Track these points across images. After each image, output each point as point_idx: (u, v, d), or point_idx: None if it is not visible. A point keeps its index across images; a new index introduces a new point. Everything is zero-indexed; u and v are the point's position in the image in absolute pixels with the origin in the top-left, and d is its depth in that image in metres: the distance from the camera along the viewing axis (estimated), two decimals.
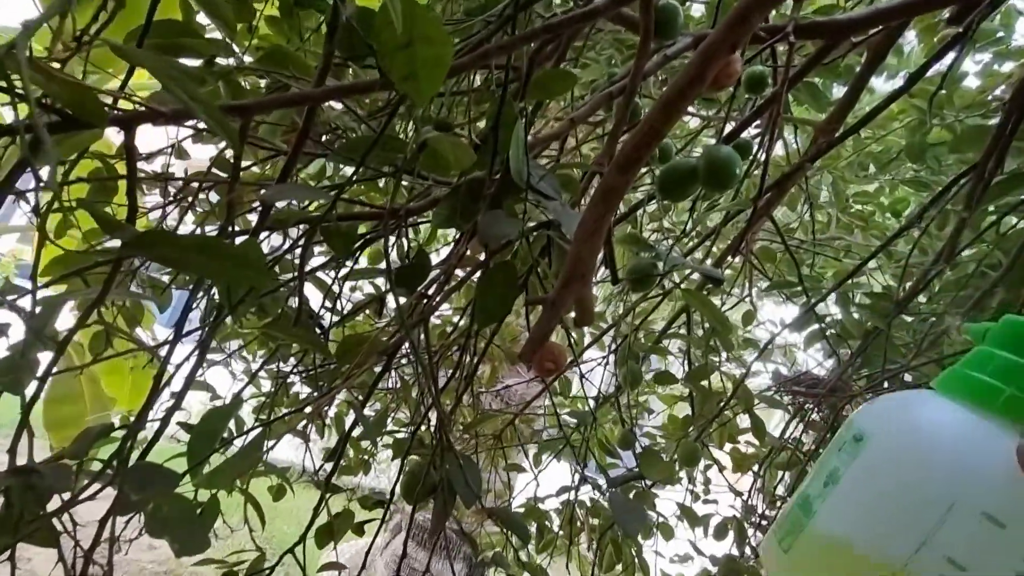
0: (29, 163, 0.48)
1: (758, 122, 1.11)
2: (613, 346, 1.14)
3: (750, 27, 0.49)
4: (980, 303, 1.10)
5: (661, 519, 1.43)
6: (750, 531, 1.39)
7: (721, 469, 1.47)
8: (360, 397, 0.83)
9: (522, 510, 1.51)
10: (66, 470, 0.57)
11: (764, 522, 1.42)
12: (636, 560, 1.46)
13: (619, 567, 1.43)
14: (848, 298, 1.10)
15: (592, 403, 1.27)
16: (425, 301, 0.67)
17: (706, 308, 0.80)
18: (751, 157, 0.96)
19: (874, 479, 0.34)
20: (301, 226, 0.78)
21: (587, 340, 1.55)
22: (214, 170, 0.84)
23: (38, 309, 0.57)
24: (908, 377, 1.32)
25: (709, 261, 1.21)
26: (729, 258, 1.30)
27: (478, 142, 0.62)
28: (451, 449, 0.78)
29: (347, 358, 0.61)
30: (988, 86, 1.18)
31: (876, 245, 1.49)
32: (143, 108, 0.49)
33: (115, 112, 0.50)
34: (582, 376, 1.07)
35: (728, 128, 1.01)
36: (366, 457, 1.47)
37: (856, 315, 1.21)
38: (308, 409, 0.73)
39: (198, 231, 0.89)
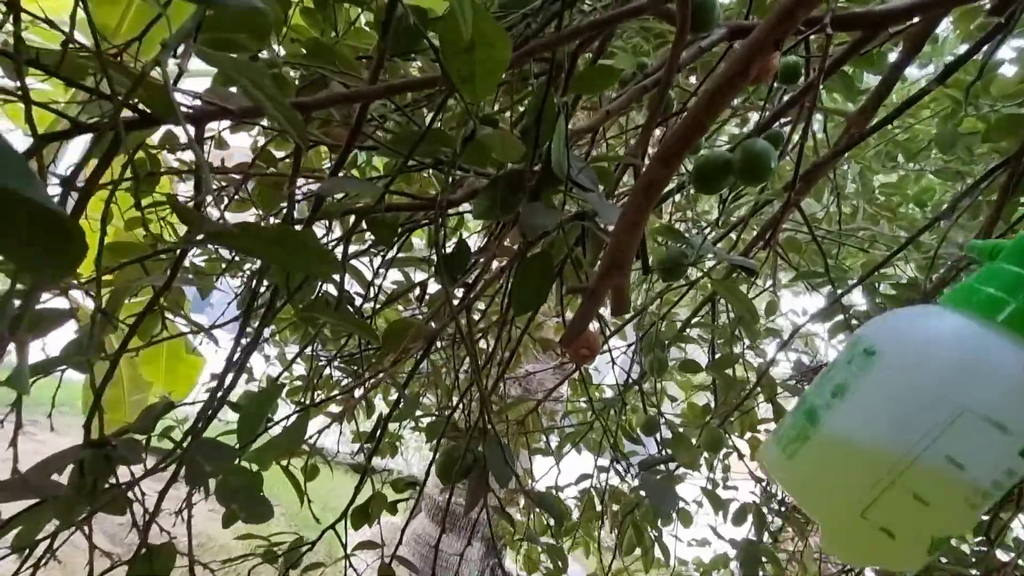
0: (110, 158, 0.51)
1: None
2: (639, 334, 1.16)
3: (795, 22, 0.50)
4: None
5: (682, 504, 1.46)
6: (769, 517, 1.41)
7: (741, 456, 1.49)
8: (398, 380, 0.87)
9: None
10: (136, 444, 0.61)
11: (783, 508, 1.44)
12: (656, 544, 1.49)
13: (639, 550, 1.47)
14: (875, 288, 1.10)
15: (613, 391, 1.29)
16: (467, 288, 0.70)
17: (735, 297, 0.81)
18: (800, 147, 0.96)
19: (885, 387, 0.35)
20: (346, 216, 0.81)
21: (612, 329, 1.57)
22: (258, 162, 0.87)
23: (104, 294, 0.61)
24: None
25: (735, 251, 1.21)
26: (756, 248, 1.31)
27: (518, 135, 0.64)
28: (488, 430, 0.81)
29: (392, 343, 0.64)
30: None
31: (902, 236, 1.48)
32: (212, 105, 0.51)
33: (185, 110, 0.53)
34: (613, 362, 1.09)
35: (756, 118, 1.01)
36: (395, 441, 1.52)
37: (882, 306, 1.21)
38: (357, 392, 0.76)
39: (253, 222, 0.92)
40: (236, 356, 0.77)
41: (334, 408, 1.13)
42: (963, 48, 1.43)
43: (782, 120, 1.08)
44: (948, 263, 1.10)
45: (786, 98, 0.96)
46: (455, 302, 0.71)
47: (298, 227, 0.62)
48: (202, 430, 0.73)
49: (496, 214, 0.66)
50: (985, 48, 0.92)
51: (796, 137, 0.94)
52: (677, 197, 1.20)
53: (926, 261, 1.23)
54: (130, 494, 0.61)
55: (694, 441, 1.29)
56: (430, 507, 3.31)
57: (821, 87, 1.16)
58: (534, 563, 1.82)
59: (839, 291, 1.05)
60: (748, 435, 1.62)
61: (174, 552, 0.63)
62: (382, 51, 0.55)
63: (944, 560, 1.25)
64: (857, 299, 1.44)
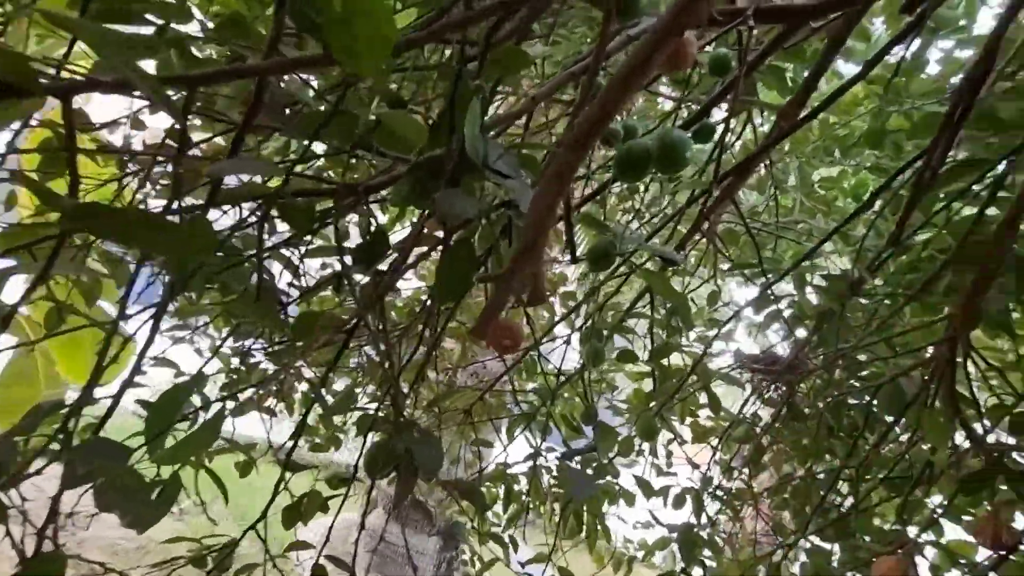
0: None
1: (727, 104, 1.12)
2: (578, 324, 1.16)
3: (700, 12, 0.50)
4: (929, 285, 1.15)
5: (622, 487, 1.49)
6: (707, 501, 1.45)
7: (681, 443, 1.52)
8: (315, 373, 0.84)
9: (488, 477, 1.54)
10: (12, 445, 0.57)
11: (720, 493, 1.49)
12: (599, 527, 1.52)
13: (582, 534, 1.49)
14: (804, 280, 1.13)
15: (554, 380, 1.30)
16: (383, 279, 0.68)
17: (665, 288, 0.82)
18: (720, 139, 0.97)
19: None
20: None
21: (557, 318, 1.58)
22: (169, 142, 0.82)
23: None
24: (862, 356, 1.38)
25: (672, 242, 1.23)
26: (696, 239, 1.33)
27: (436, 120, 0.62)
28: (411, 424, 0.79)
29: (303, 335, 0.61)
30: (947, 73, 1.21)
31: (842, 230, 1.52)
32: (83, 77, 0.47)
33: (54, 81, 0.49)
34: (539, 356, 1.09)
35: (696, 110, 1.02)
36: (338, 434, 1.48)
37: (814, 297, 1.25)
38: (274, 386, 0.73)
39: (153, 205, 0.87)
40: (142, 348, 0.73)
41: (271, 401, 1.08)
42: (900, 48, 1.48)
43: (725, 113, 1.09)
44: (874, 253, 1.14)
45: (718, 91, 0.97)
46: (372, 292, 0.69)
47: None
48: (99, 427, 0.68)
49: (415, 201, 0.64)
50: (914, 44, 0.95)
51: (730, 129, 0.95)
52: (617, 188, 1.20)
53: (856, 254, 1.27)
54: (9, 500, 0.57)
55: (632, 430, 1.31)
56: (386, 501, 3.28)
57: (759, 82, 1.18)
58: (493, 536, 1.81)
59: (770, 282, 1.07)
60: (690, 420, 1.66)
61: (63, 559, 0.59)
62: (278, 24, 0.51)
63: (868, 539, 1.31)
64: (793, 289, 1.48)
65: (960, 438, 1.07)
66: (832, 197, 1.59)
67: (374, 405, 0.89)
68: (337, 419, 1.52)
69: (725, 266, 1.34)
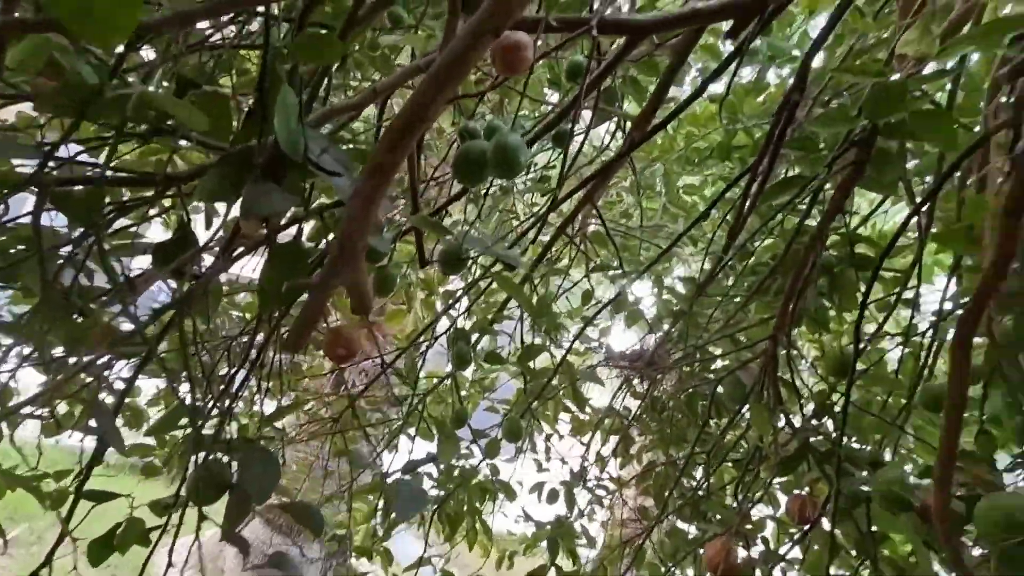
0: None
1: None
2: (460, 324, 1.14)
3: (507, 16, 0.49)
4: (762, 287, 1.28)
5: (503, 483, 1.50)
6: (578, 493, 1.52)
7: (549, 437, 1.57)
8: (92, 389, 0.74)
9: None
10: None
11: (591, 484, 1.56)
12: (477, 525, 1.53)
13: (459, 536, 1.49)
14: (660, 281, 1.21)
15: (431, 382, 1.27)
16: (194, 281, 0.60)
17: (515, 291, 0.82)
18: (566, 145, 0.99)
19: None
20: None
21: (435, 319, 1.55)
22: None
23: None
24: (717, 351, 1.50)
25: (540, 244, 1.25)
26: (566, 240, 1.36)
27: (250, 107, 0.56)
28: (247, 442, 0.73)
29: (75, 346, 0.52)
30: (774, 97, 1.36)
31: (696, 234, 1.65)
32: None
33: None
34: (384, 364, 1.06)
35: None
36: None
37: (669, 297, 1.34)
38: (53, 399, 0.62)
39: None
40: None
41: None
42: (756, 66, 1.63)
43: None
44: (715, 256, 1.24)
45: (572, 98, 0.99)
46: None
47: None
48: None
49: (224, 195, 0.57)
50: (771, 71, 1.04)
51: (579, 134, 0.97)
52: (493, 189, 1.19)
53: (711, 257, 1.38)
54: None
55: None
56: (263, 511, 3.05)
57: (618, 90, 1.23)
58: (365, 550, 1.75)
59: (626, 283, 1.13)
60: (569, 416, 1.72)
61: None
62: None
63: (719, 517, 1.44)
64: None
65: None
66: (692, 203, 1.72)
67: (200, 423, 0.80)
68: (178, 434, 1.37)
69: (591, 266, 1.40)
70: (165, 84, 0.65)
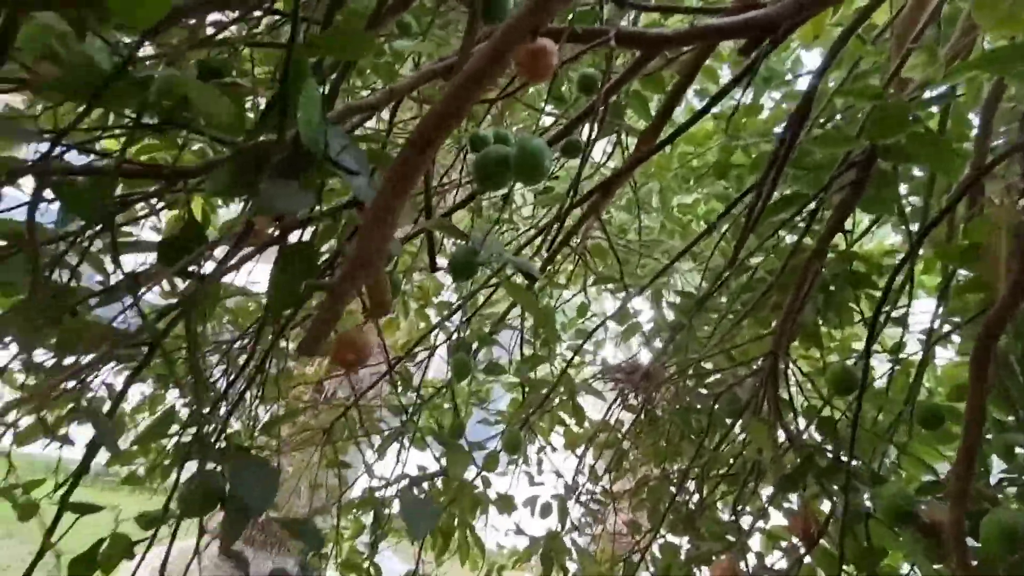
0: None
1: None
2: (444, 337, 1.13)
3: (548, 14, 0.49)
4: (758, 303, 1.30)
5: (497, 495, 1.48)
6: (571, 507, 1.50)
7: (554, 450, 1.56)
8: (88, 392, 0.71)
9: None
10: None
11: (584, 498, 1.54)
12: (469, 538, 1.49)
13: (451, 550, 1.45)
14: (660, 295, 1.21)
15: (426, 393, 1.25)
16: (200, 282, 0.58)
17: (527, 302, 0.81)
18: (583, 156, 1.00)
19: None
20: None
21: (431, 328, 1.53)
22: None
23: None
24: (709, 365, 1.51)
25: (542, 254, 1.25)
26: (567, 252, 1.36)
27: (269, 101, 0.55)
28: (243, 451, 0.70)
29: (68, 347, 0.50)
30: (772, 119, 1.39)
31: (693, 250, 1.67)
32: None
33: None
34: (390, 370, 1.04)
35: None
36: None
37: (670, 311, 1.35)
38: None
39: None
40: None
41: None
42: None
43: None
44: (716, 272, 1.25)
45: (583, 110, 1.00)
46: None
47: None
48: None
49: (237, 192, 0.55)
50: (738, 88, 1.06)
51: (591, 147, 0.98)
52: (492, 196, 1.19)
53: (707, 273, 1.40)
54: None
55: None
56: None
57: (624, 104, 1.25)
58: (353, 566, 1.70)
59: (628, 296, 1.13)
60: (562, 429, 1.70)
61: None
62: None
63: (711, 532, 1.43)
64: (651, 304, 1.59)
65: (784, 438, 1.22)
66: (688, 221, 1.74)
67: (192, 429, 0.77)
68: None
69: (592, 279, 1.40)
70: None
